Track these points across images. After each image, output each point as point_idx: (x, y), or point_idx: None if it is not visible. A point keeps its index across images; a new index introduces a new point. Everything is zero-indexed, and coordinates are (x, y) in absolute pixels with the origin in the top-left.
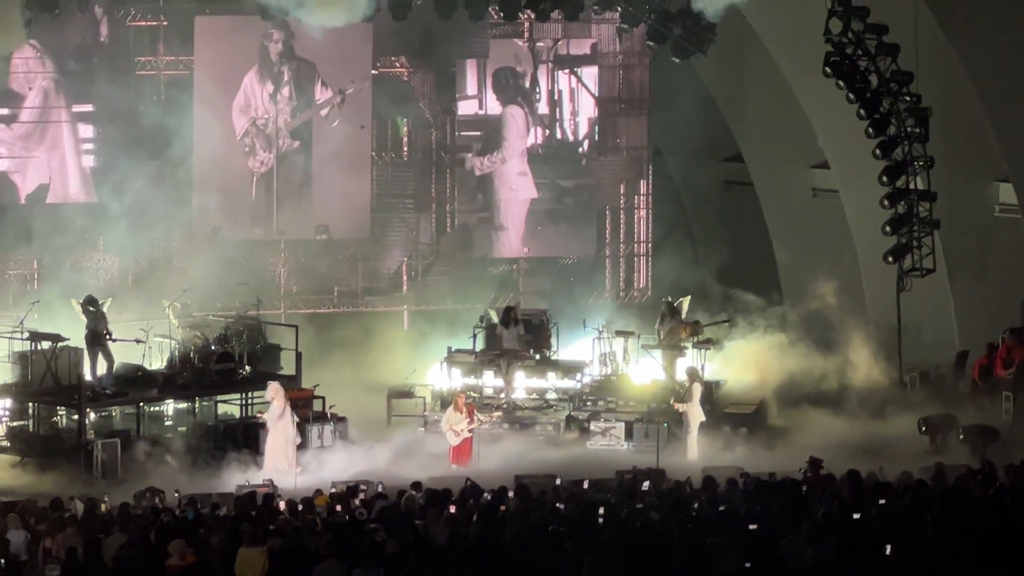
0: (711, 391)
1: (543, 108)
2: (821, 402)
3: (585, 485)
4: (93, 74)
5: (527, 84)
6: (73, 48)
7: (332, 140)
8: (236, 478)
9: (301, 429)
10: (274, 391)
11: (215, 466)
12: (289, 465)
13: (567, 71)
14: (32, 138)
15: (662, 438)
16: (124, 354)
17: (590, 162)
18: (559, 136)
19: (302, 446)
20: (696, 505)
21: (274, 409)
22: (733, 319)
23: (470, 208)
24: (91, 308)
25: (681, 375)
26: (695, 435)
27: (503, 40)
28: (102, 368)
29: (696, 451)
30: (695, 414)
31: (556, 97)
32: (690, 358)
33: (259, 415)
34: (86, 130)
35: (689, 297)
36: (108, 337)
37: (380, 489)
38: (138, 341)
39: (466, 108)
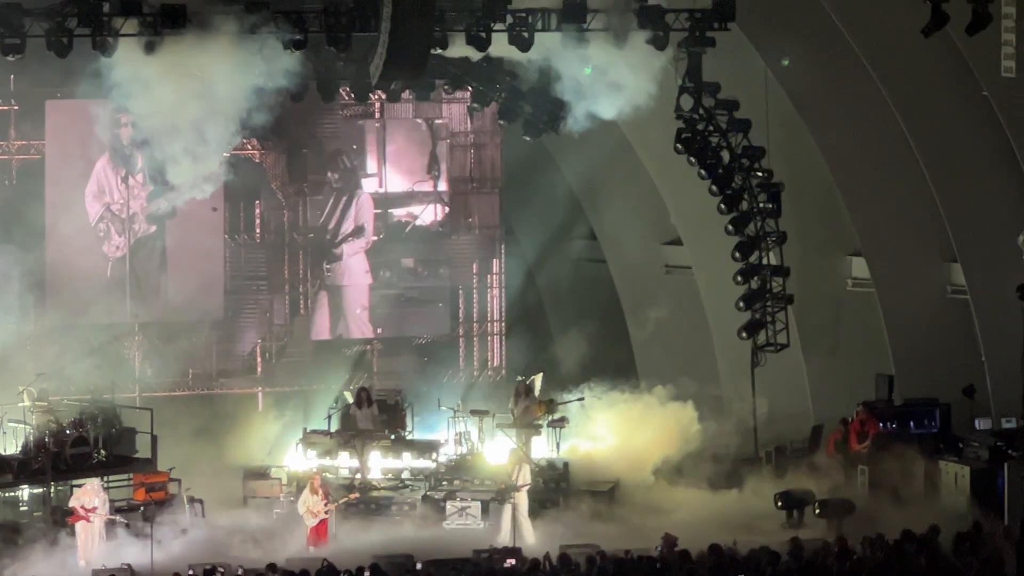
0: (557, 469)
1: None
2: (677, 477)
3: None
4: None
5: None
6: None
7: (186, 223)
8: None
9: (159, 511)
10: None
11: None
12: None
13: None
14: None
15: (519, 516)
16: None
17: (442, 241)
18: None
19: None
20: None
21: (105, 507)
22: (587, 396)
23: (322, 289)
24: None
25: (508, 457)
26: (526, 516)
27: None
28: None
29: (532, 534)
30: (523, 496)
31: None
32: (544, 437)
33: (84, 509)
34: None
35: (541, 374)
36: None
37: (240, 572)
38: None
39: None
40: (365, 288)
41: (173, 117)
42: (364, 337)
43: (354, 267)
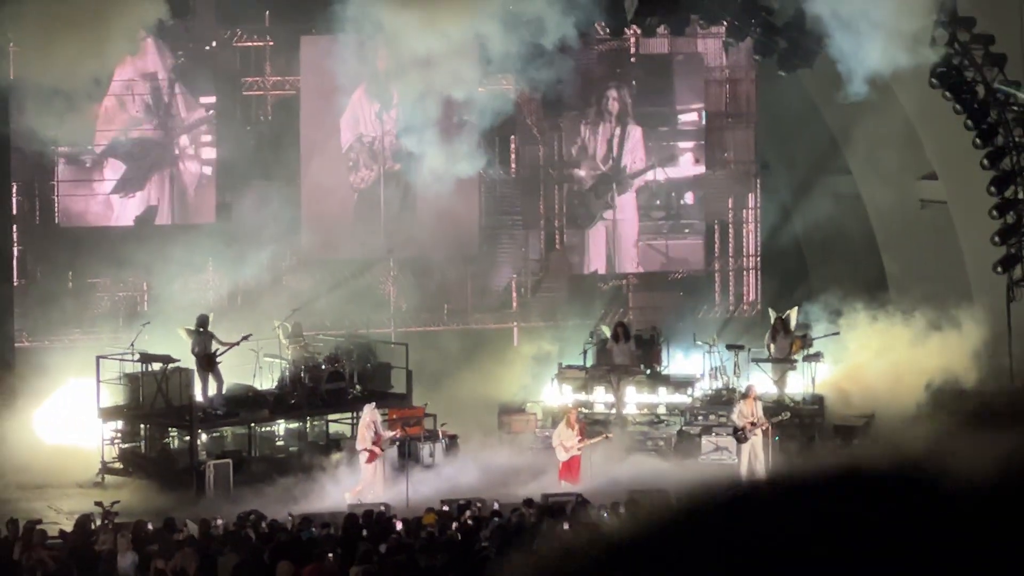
0: (812, 404)
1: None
2: (932, 412)
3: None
4: (199, 95)
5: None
6: (178, 71)
7: (441, 158)
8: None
9: (414, 447)
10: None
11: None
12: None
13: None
14: (140, 160)
15: (774, 451)
16: (235, 375)
17: (699, 176)
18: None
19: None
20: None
21: (383, 431)
22: (843, 331)
23: (580, 224)
24: (201, 329)
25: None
26: (760, 453)
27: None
28: (213, 388)
29: (762, 471)
30: (759, 433)
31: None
32: (800, 371)
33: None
34: (192, 151)
35: (796, 308)
36: (219, 354)
37: (496, 507)
38: (245, 338)
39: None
40: (636, 222)
41: (429, 52)
42: (634, 271)
43: (628, 202)
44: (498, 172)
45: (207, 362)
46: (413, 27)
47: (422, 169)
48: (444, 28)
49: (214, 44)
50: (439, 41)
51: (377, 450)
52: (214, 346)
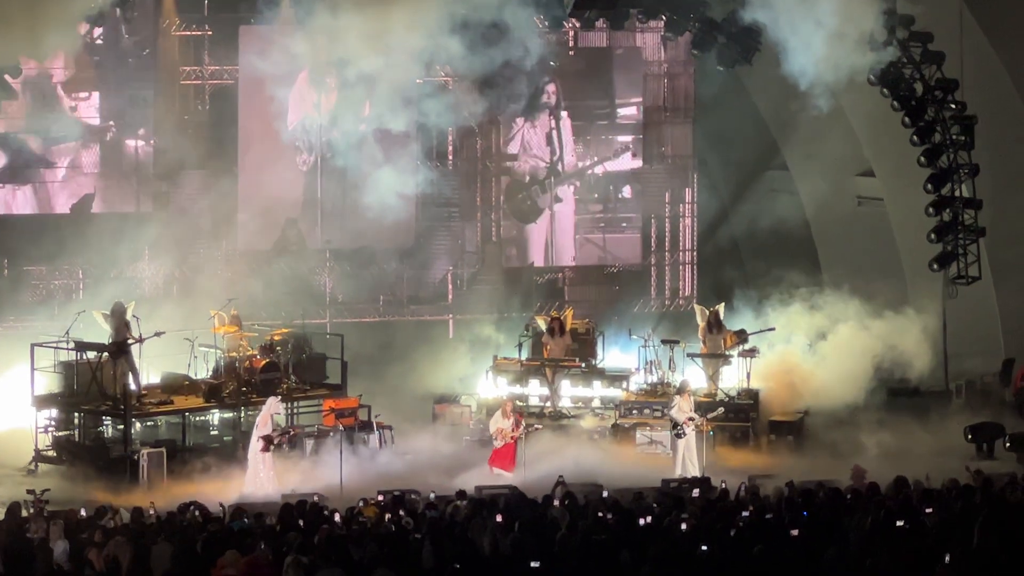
0: (747, 399)
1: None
2: (867, 410)
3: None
4: (138, 84)
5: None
6: (118, 59)
7: (377, 150)
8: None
9: (349, 437)
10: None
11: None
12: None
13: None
14: (77, 149)
15: (707, 446)
16: (170, 363)
17: (635, 170)
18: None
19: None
20: (743, 514)
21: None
22: (778, 327)
23: (528, 219)
24: (116, 316)
25: (695, 385)
26: (693, 449)
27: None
28: (128, 377)
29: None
30: (692, 429)
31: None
32: (735, 367)
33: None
34: (131, 140)
35: (723, 304)
36: (129, 344)
37: (432, 497)
38: (157, 334)
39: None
40: (574, 215)
41: (366, 43)
42: (570, 264)
43: (567, 194)
44: (435, 164)
45: (116, 350)
46: (352, 22)
47: (363, 158)
48: (383, 24)
49: (153, 33)
50: (378, 38)
51: (276, 438)
52: (126, 335)
